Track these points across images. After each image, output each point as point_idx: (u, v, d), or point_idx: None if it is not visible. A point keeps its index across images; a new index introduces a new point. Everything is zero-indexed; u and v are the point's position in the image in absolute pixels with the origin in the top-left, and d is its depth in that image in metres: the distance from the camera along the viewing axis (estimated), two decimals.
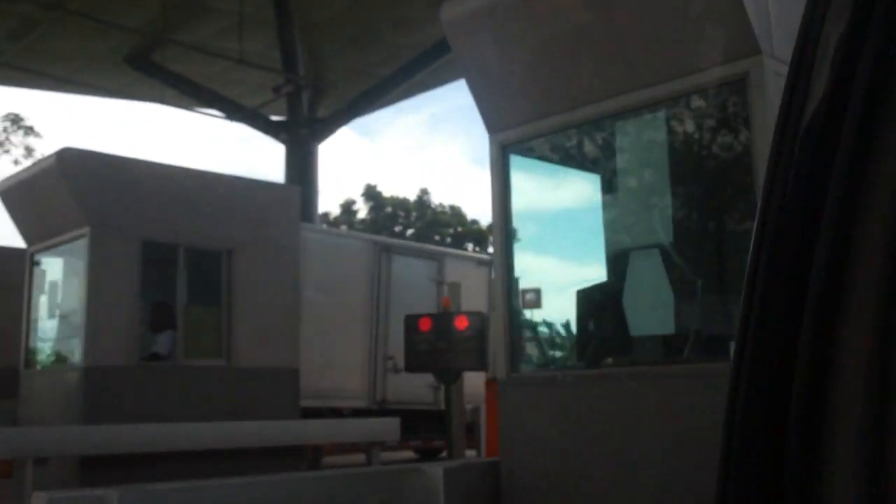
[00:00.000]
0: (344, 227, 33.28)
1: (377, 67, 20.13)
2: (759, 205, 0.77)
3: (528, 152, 5.23)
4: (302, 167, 18.12)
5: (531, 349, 5.13)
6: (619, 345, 4.71)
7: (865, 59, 0.71)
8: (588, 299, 4.84)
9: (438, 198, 44.77)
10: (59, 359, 9.07)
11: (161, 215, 8.79)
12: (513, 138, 5.14)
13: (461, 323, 8.54)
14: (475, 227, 37.88)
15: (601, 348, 4.88)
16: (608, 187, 4.80)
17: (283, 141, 18.49)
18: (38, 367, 9.24)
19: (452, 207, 39.33)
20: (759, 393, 0.72)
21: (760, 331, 0.73)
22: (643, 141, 4.60)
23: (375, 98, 20.00)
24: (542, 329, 5.11)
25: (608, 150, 4.74)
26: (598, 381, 4.63)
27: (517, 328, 5.05)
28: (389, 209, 38.07)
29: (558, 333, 5.08)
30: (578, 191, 5.11)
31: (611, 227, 4.71)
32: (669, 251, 4.46)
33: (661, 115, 4.51)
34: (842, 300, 0.67)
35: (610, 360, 4.79)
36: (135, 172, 8.85)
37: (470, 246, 35.32)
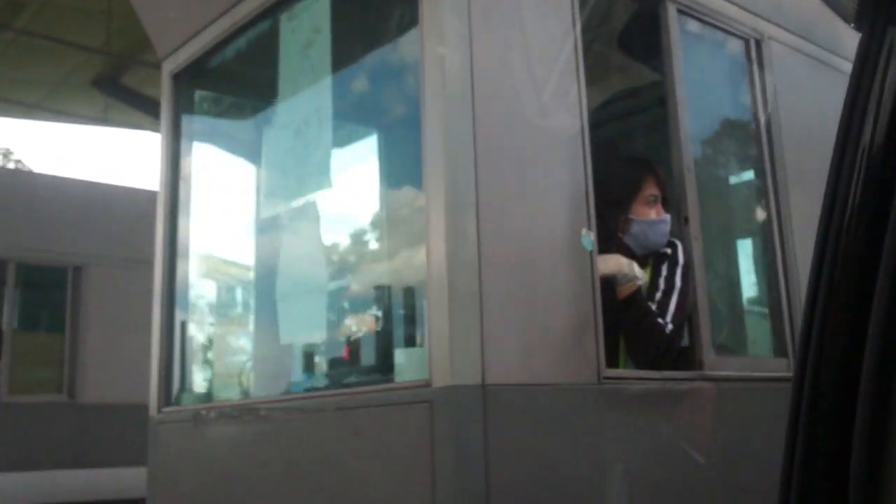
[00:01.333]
0: None
1: None
2: (824, 202, 0.73)
3: (206, 83, 3.63)
4: None
5: (192, 375, 3.47)
6: (274, 367, 3.05)
7: None
8: (241, 301, 3.21)
9: None
10: None
11: None
12: (182, 63, 3.55)
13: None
14: None
15: (256, 372, 3.22)
16: (270, 128, 3.16)
17: None
18: None
19: None
20: (823, 400, 0.70)
21: (823, 340, 0.71)
22: (307, 49, 2.94)
23: None
24: (205, 345, 3.46)
25: (274, 67, 3.10)
26: (244, 416, 2.96)
27: (173, 346, 3.41)
28: None
29: (218, 351, 3.43)
30: (251, 136, 3.45)
31: (269, 192, 3.06)
32: (324, 224, 2.80)
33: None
34: None
35: (262, 388, 3.13)
36: None
37: None
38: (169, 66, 3.60)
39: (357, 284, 2.76)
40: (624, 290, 2.84)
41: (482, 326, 2.28)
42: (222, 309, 3.41)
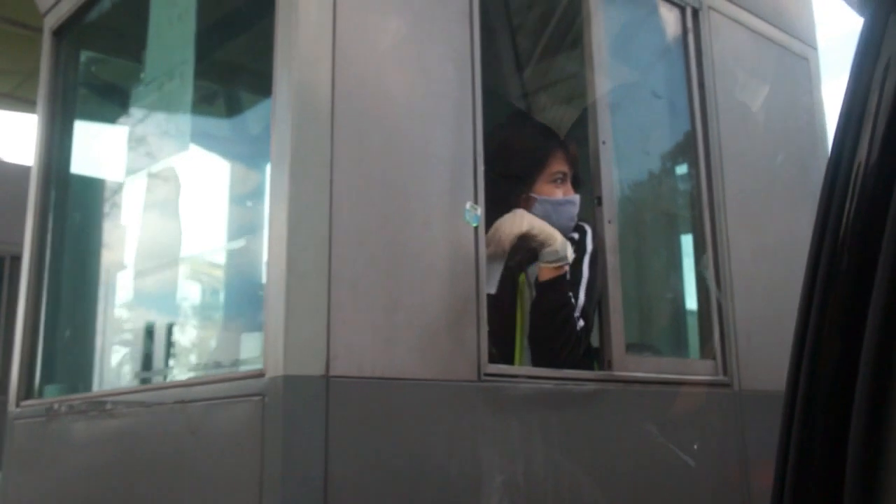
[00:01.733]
0: None
1: None
2: (817, 212, 0.71)
3: (89, 41, 3.30)
4: None
5: (54, 365, 3.13)
6: (121, 356, 2.73)
7: None
8: (107, 284, 2.89)
9: None
10: None
11: None
12: (63, 16, 3.21)
13: None
14: None
15: (106, 362, 2.90)
16: (139, 87, 2.82)
17: None
18: None
19: None
20: (817, 410, 0.67)
21: (818, 349, 0.68)
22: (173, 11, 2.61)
23: None
24: (69, 333, 3.13)
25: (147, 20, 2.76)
26: (91, 411, 2.62)
27: (37, 334, 3.07)
28: None
29: (79, 339, 3.10)
30: (128, 98, 3.11)
31: (133, 161, 2.74)
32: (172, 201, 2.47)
33: None
34: None
35: (111, 380, 2.80)
36: None
37: None
38: (49, 22, 3.27)
39: (210, 263, 2.43)
40: (548, 272, 2.49)
41: (329, 310, 1.95)
42: (92, 292, 3.08)
